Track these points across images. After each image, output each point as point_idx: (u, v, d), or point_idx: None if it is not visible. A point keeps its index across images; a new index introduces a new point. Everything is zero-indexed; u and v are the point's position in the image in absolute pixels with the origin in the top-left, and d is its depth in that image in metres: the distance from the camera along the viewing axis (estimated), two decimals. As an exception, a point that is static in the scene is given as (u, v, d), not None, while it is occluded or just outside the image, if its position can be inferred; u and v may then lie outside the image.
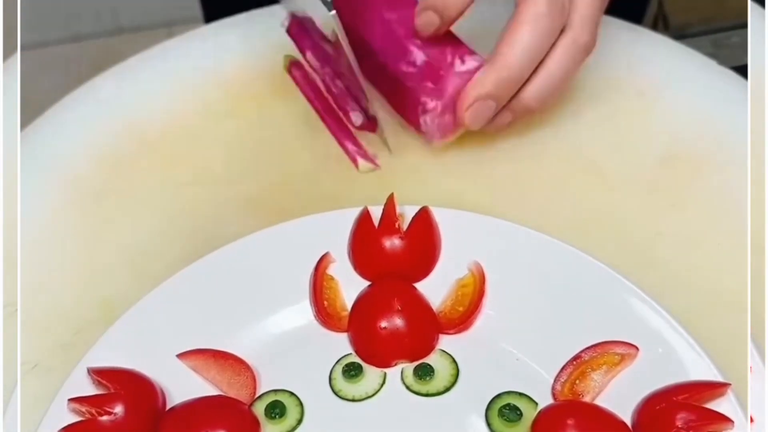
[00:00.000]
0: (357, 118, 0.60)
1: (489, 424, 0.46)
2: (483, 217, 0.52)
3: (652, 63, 0.63)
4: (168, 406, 0.47)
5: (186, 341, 0.49)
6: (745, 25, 0.63)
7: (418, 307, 0.50)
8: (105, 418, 0.45)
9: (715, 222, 0.55)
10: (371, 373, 0.49)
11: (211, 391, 0.48)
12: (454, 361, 0.49)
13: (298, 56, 0.63)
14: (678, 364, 0.46)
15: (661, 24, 1.21)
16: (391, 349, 0.49)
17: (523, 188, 0.57)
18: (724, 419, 0.44)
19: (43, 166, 0.61)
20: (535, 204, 0.56)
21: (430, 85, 0.55)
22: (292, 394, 0.48)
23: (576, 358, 0.48)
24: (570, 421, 0.45)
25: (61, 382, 0.47)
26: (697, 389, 0.45)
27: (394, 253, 0.51)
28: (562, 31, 0.53)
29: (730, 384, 0.45)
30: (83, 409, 0.46)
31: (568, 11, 0.53)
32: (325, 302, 0.51)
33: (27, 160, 0.61)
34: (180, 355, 0.49)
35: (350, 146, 0.59)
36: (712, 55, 0.63)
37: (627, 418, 0.45)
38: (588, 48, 0.54)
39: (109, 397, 0.46)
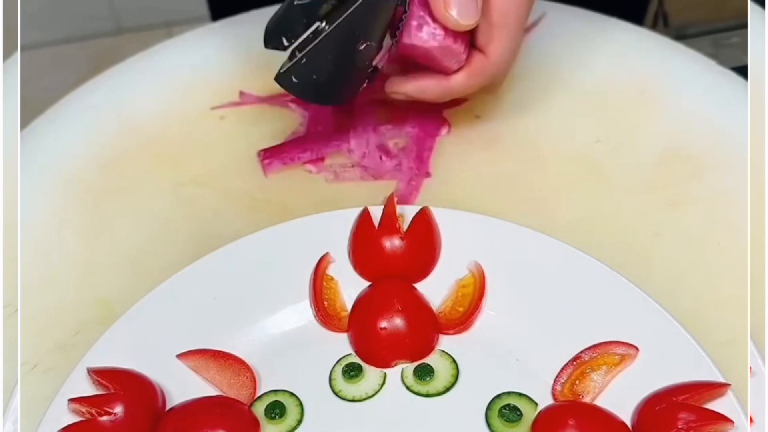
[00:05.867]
0: None
1: (489, 424, 0.46)
2: (483, 217, 0.52)
3: (652, 63, 0.63)
4: (168, 406, 0.47)
5: (186, 341, 0.49)
6: (745, 26, 0.63)
7: (418, 307, 0.50)
8: (105, 418, 0.45)
9: (714, 222, 0.55)
10: (371, 374, 0.49)
11: (211, 391, 0.48)
12: (454, 361, 0.49)
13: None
14: (678, 364, 0.46)
15: (661, 22, 1.21)
16: (391, 350, 0.49)
17: (523, 188, 0.57)
18: (724, 419, 0.44)
19: (43, 166, 0.61)
20: (535, 204, 0.56)
21: None
22: (292, 394, 0.48)
23: (576, 358, 0.48)
24: (570, 422, 0.45)
25: (61, 382, 0.47)
26: (697, 389, 0.45)
27: (394, 253, 0.51)
28: None
29: (730, 384, 0.45)
30: (83, 409, 0.46)
31: None
32: (325, 302, 0.51)
33: (27, 160, 0.61)
34: (180, 355, 0.49)
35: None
36: (712, 55, 0.63)
37: (627, 419, 0.45)
38: None
39: (109, 397, 0.46)
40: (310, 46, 0.51)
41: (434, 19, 0.51)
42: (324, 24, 0.51)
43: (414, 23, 0.52)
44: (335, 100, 0.55)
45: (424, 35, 0.52)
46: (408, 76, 0.55)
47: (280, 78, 0.53)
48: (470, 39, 0.53)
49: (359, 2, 0.50)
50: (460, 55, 0.53)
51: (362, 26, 0.51)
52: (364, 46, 0.51)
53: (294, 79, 0.53)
